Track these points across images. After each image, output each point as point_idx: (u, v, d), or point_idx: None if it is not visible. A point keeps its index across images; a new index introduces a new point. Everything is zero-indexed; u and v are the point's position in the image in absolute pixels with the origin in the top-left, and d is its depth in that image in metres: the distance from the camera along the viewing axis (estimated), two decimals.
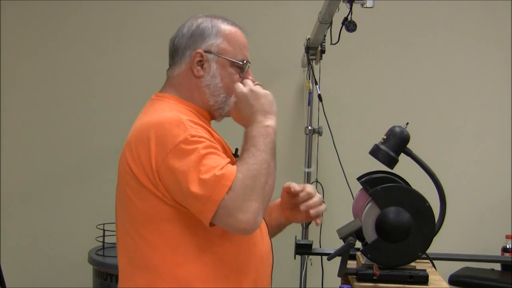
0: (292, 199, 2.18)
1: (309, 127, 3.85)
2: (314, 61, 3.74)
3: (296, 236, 2.67)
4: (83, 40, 4.23)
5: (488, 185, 4.16)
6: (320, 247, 3.39)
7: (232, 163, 1.91)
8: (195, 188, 1.79)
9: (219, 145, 1.96)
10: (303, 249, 2.55)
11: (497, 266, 3.93)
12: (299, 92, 4.17)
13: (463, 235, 4.10)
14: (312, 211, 2.08)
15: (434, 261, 2.44)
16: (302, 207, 2.09)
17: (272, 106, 2.01)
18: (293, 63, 4.09)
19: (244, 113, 2.00)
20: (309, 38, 3.68)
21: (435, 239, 2.31)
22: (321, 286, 3.12)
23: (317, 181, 3.84)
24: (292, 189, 2.14)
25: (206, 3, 3.81)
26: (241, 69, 2.08)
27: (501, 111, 4.15)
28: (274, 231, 2.25)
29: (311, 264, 3.67)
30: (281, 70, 4.18)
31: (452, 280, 3.80)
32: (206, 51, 2.04)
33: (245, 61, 2.08)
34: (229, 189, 1.78)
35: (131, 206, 1.98)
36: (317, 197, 2.12)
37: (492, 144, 4.17)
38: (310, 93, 3.83)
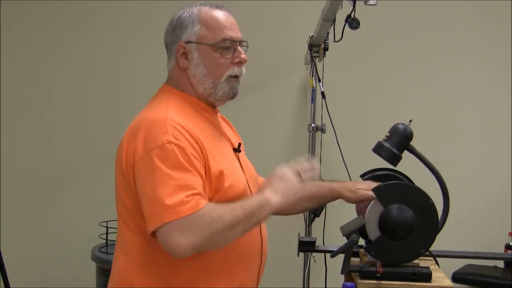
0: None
1: (312, 125, 3.85)
2: (317, 58, 3.74)
3: (299, 234, 2.67)
4: (83, 39, 4.23)
5: (491, 182, 4.16)
6: (324, 244, 3.39)
7: (232, 158, 1.97)
8: (159, 195, 1.80)
9: (210, 142, 1.97)
10: (307, 246, 2.55)
11: (500, 264, 3.94)
12: (302, 90, 4.17)
13: (466, 232, 4.10)
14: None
15: (437, 259, 2.44)
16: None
17: (289, 192, 2.01)
18: (296, 60, 4.09)
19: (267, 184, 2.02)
20: (312, 36, 3.68)
21: (438, 236, 2.31)
22: (324, 283, 3.12)
23: (320, 178, 3.83)
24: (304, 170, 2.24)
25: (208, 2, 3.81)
26: (226, 49, 2.05)
27: (502, 109, 4.14)
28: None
29: (314, 261, 3.67)
30: (284, 67, 4.18)
31: (455, 277, 3.80)
32: (187, 42, 2.04)
33: (227, 40, 2.04)
34: (191, 214, 1.78)
35: (119, 199, 2.03)
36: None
37: (496, 141, 4.16)
38: (313, 91, 3.83)
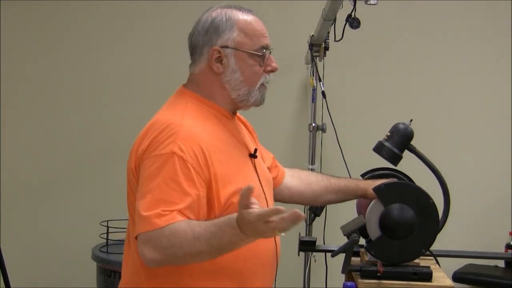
0: None
1: (313, 124, 3.84)
2: (317, 58, 3.74)
3: (300, 233, 2.67)
4: (83, 39, 4.23)
5: (492, 181, 4.16)
6: (324, 244, 3.38)
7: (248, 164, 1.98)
8: (143, 202, 1.82)
9: (223, 150, 1.96)
10: (307, 246, 2.55)
11: (501, 263, 3.93)
12: (302, 89, 4.17)
13: (466, 231, 4.10)
14: None
15: (438, 258, 2.44)
16: None
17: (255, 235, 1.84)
18: (297, 60, 4.09)
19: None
20: (312, 35, 3.68)
21: (438, 236, 2.31)
22: (325, 283, 3.11)
23: None
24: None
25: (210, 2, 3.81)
26: (261, 58, 2.06)
27: (503, 109, 4.14)
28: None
29: (315, 261, 3.67)
30: (285, 67, 4.14)
31: (455, 277, 3.80)
32: (223, 47, 2.01)
33: (264, 50, 2.06)
34: (164, 227, 1.78)
35: (129, 199, 2.01)
36: None
37: (496, 140, 4.16)
38: (314, 90, 3.83)
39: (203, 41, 2.03)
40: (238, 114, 2.23)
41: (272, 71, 2.10)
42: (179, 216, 1.80)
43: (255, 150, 2.13)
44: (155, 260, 1.80)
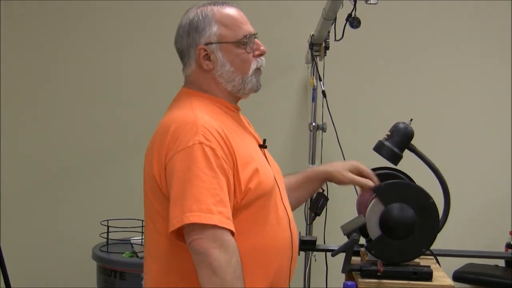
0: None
1: (313, 124, 3.84)
2: (318, 57, 3.74)
3: (300, 232, 2.66)
4: (83, 39, 4.23)
5: (492, 181, 4.16)
6: (324, 243, 3.38)
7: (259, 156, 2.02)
8: (187, 196, 1.83)
9: (238, 140, 1.98)
10: (307, 245, 2.55)
11: (501, 263, 3.93)
12: (303, 89, 4.17)
13: (467, 231, 4.10)
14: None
15: (438, 258, 2.44)
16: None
17: None
18: (297, 59, 4.09)
19: None
20: (313, 35, 3.68)
21: (439, 235, 2.31)
22: (325, 283, 3.12)
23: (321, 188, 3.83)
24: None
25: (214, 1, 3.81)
26: (247, 44, 2.07)
27: (503, 108, 4.14)
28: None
29: (315, 260, 3.67)
30: (285, 66, 4.17)
31: (456, 276, 3.80)
32: (207, 44, 2.04)
33: (248, 36, 2.07)
34: (224, 230, 1.83)
35: (148, 204, 2.02)
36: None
37: (496, 139, 4.16)
38: (314, 90, 3.83)
39: (187, 44, 2.06)
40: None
41: (261, 54, 2.12)
42: (230, 222, 1.84)
43: (264, 140, 2.17)
44: (220, 261, 1.81)
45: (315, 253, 3.59)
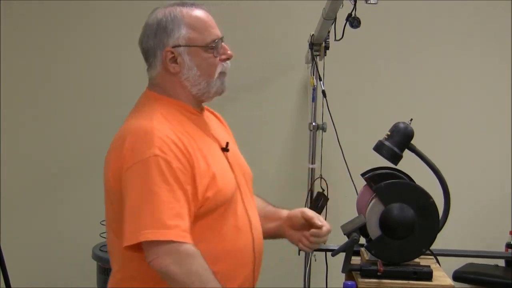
0: (304, 226, 2.20)
1: (313, 123, 3.84)
2: (318, 57, 3.74)
3: None
4: (83, 39, 4.22)
5: (492, 181, 4.16)
6: (324, 243, 3.39)
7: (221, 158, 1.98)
8: (142, 211, 1.82)
9: (197, 147, 1.95)
10: None
11: (501, 262, 3.93)
12: (303, 88, 4.17)
13: (467, 231, 4.10)
14: (311, 244, 2.18)
15: (438, 257, 2.45)
16: (310, 238, 2.17)
17: None
18: (297, 59, 4.09)
19: None
20: (313, 34, 3.68)
21: (439, 235, 2.31)
22: (325, 282, 3.12)
23: (321, 177, 3.83)
24: (314, 223, 2.16)
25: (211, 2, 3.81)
26: (215, 49, 2.03)
27: (503, 108, 4.14)
28: (265, 237, 2.23)
29: (315, 260, 3.67)
30: (285, 66, 4.17)
31: (456, 276, 3.80)
32: (175, 46, 2.01)
33: (216, 40, 2.04)
34: (180, 244, 1.81)
35: (108, 208, 2.01)
36: (325, 236, 2.17)
37: (496, 139, 4.16)
38: (314, 89, 3.83)
39: (154, 44, 2.04)
40: (211, 110, 2.23)
41: (227, 59, 2.07)
42: (187, 235, 1.83)
43: (227, 144, 2.12)
44: (180, 274, 1.81)
45: (315, 253, 3.59)
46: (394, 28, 4.16)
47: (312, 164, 3.86)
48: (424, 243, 2.29)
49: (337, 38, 3.13)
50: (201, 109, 2.14)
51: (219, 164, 2.03)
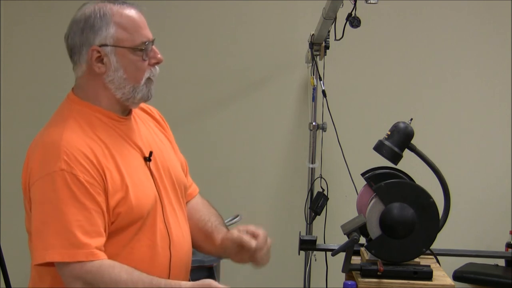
0: (241, 247, 2.06)
1: (313, 123, 3.85)
2: (318, 57, 3.74)
3: (300, 232, 2.67)
4: None
5: (492, 180, 4.16)
6: (324, 243, 3.39)
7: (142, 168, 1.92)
8: (46, 229, 1.76)
9: (112, 159, 1.88)
10: (307, 245, 2.55)
11: (501, 262, 3.93)
12: (303, 88, 4.17)
13: (467, 230, 4.10)
14: (263, 258, 2.05)
15: (438, 257, 2.44)
16: (257, 256, 2.04)
17: None
18: (297, 59, 4.09)
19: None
20: (313, 34, 3.68)
21: (439, 234, 2.31)
22: (325, 282, 3.12)
23: (321, 177, 3.84)
24: (245, 243, 2.04)
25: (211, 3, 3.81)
26: (144, 52, 1.92)
27: (503, 107, 4.14)
28: (215, 254, 2.17)
29: (315, 260, 3.67)
30: (285, 65, 4.17)
31: (456, 275, 3.79)
32: (102, 45, 1.90)
33: (146, 42, 1.92)
34: (87, 263, 1.75)
35: (27, 216, 1.95)
36: (266, 243, 2.06)
37: (496, 139, 4.16)
38: (314, 89, 3.83)
39: (80, 42, 1.94)
40: (144, 107, 2.13)
41: (157, 63, 1.97)
42: (97, 252, 1.77)
43: (151, 153, 1.99)
44: None
45: (315, 252, 3.60)
46: (394, 28, 4.16)
47: (312, 163, 3.87)
48: (424, 243, 2.29)
49: (337, 38, 3.13)
50: (128, 113, 2.01)
51: (137, 175, 1.93)
